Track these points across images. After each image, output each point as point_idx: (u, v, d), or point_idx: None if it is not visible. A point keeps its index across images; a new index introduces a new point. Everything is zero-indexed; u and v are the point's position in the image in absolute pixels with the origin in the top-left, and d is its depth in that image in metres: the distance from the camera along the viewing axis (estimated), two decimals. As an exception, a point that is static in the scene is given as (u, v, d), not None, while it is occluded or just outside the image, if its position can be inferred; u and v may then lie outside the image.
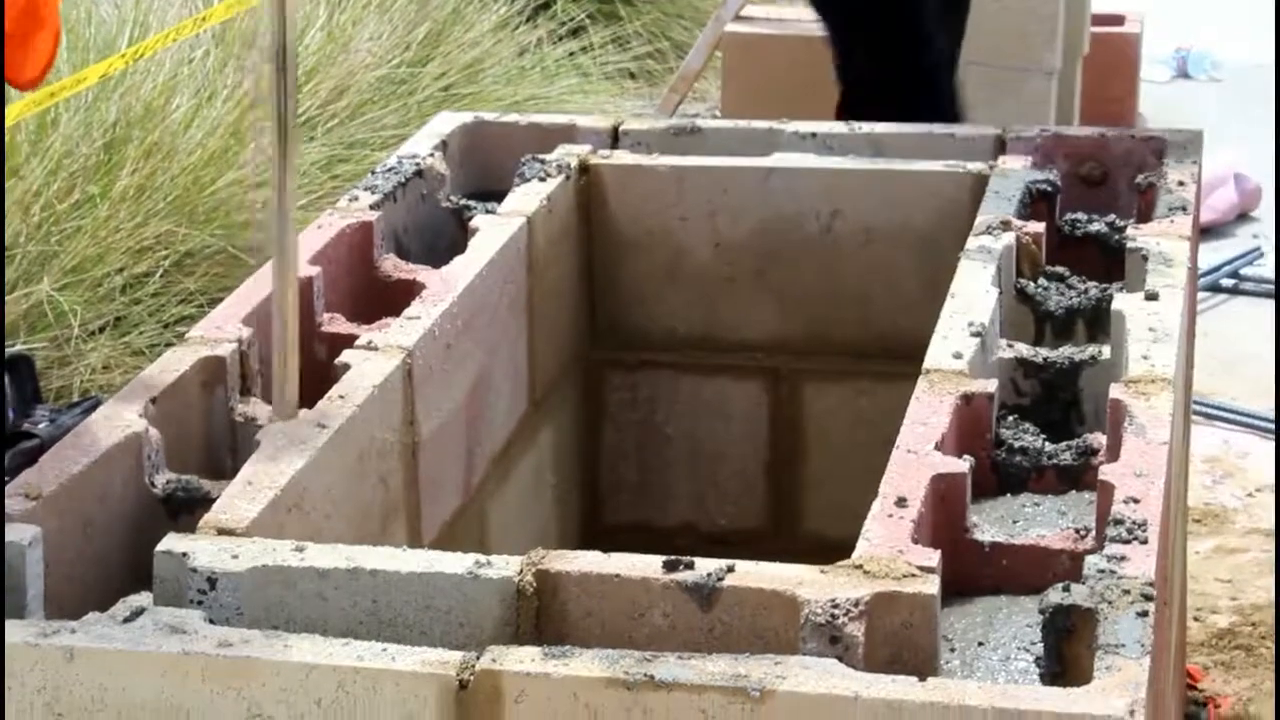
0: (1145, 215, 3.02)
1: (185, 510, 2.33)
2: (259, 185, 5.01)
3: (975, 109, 3.70)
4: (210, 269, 4.99)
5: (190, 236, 5.05)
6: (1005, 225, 2.90)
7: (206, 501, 2.29)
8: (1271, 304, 4.24)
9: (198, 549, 2.12)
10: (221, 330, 2.64)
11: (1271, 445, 4.47)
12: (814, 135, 3.32)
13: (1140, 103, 6.20)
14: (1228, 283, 5.49)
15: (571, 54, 7.03)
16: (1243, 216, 5.93)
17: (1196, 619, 3.87)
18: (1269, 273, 5.46)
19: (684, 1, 7.35)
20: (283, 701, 1.93)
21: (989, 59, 5.44)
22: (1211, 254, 5.58)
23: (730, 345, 3.31)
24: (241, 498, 2.26)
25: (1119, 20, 6.17)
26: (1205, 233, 5.57)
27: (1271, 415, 4.40)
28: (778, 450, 3.34)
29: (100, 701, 1.96)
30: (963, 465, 2.25)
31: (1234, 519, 4.28)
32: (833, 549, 2.07)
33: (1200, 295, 5.12)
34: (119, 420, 2.39)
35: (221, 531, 2.19)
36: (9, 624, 2.01)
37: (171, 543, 2.14)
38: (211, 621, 2.02)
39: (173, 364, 2.54)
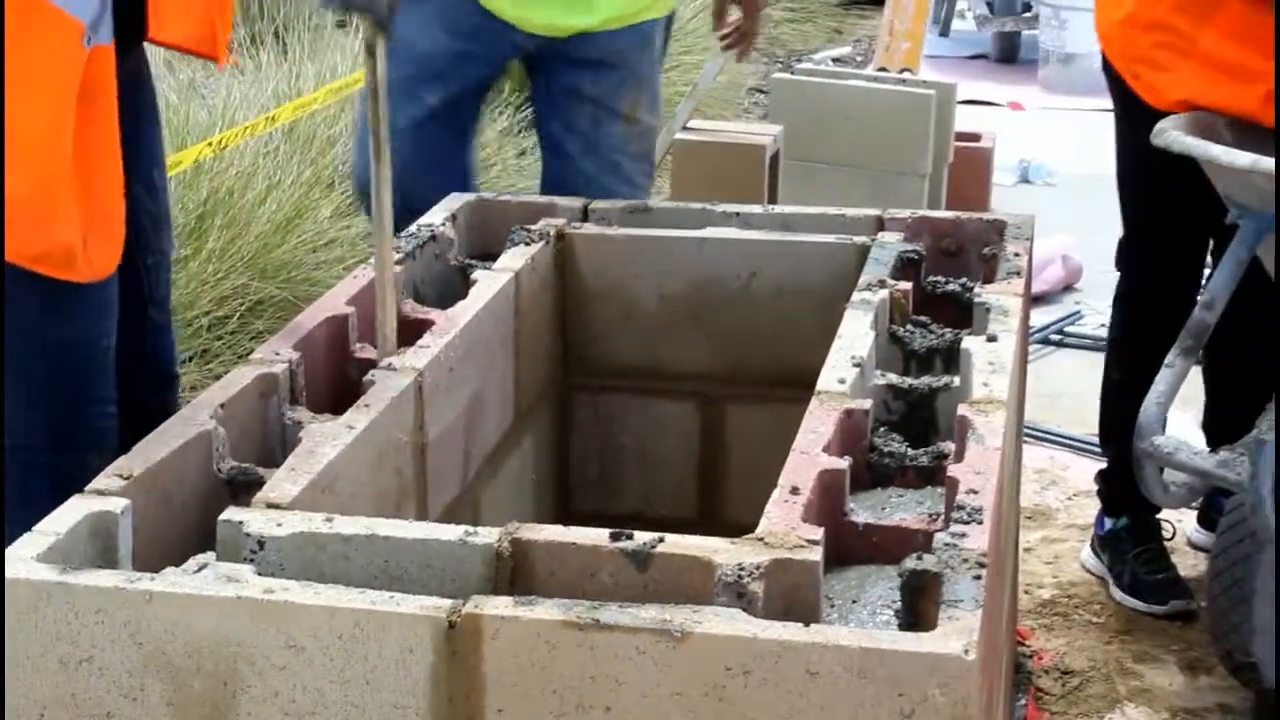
0: (989, 278, 3.02)
1: (243, 490, 2.31)
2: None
3: (864, 203, 3.67)
4: (275, 314, 4.99)
5: (260, 289, 5.05)
6: (882, 284, 2.90)
7: (260, 483, 2.28)
8: (1090, 355, 4.25)
9: (251, 518, 2.11)
10: (276, 355, 2.63)
11: (1086, 462, 4.45)
12: (737, 214, 3.31)
13: (991, 201, 6.21)
14: (1054, 338, 5.49)
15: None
16: (1068, 288, 5.95)
17: (1026, 592, 3.86)
18: (1087, 330, 5.47)
19: (645, 118, 7.36)
20: (312, 636, 1.92)
21: (875, 164, 5.46)
22: (1043, 316, 5.59)
23: (670, 375, 3.29)
24: (287, 481, 2.25)
25: (976, 137, 6.19)
26: (1038, 300, 5.58)
27: (1085, 438, 4.40)
28: (706, 457, 3.33)
29: (171, 634, 1.95)
30: (843, 463, 2.25)
31: (1057, 517, 4.28)
32: (746, 532, 2.06)
33: (1033, 347, 5.12)
34: (194, 421, 2.38)
35: (270, 506, 2.18)
36: (104, 572, 2.00)
37: (231, 514, 2.13)
38: (259, 574, 2.01)
39: (238, 379, 2.53)
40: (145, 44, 2.96)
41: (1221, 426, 3.83)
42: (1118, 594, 3.86)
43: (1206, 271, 3.85)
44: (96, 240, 2.70)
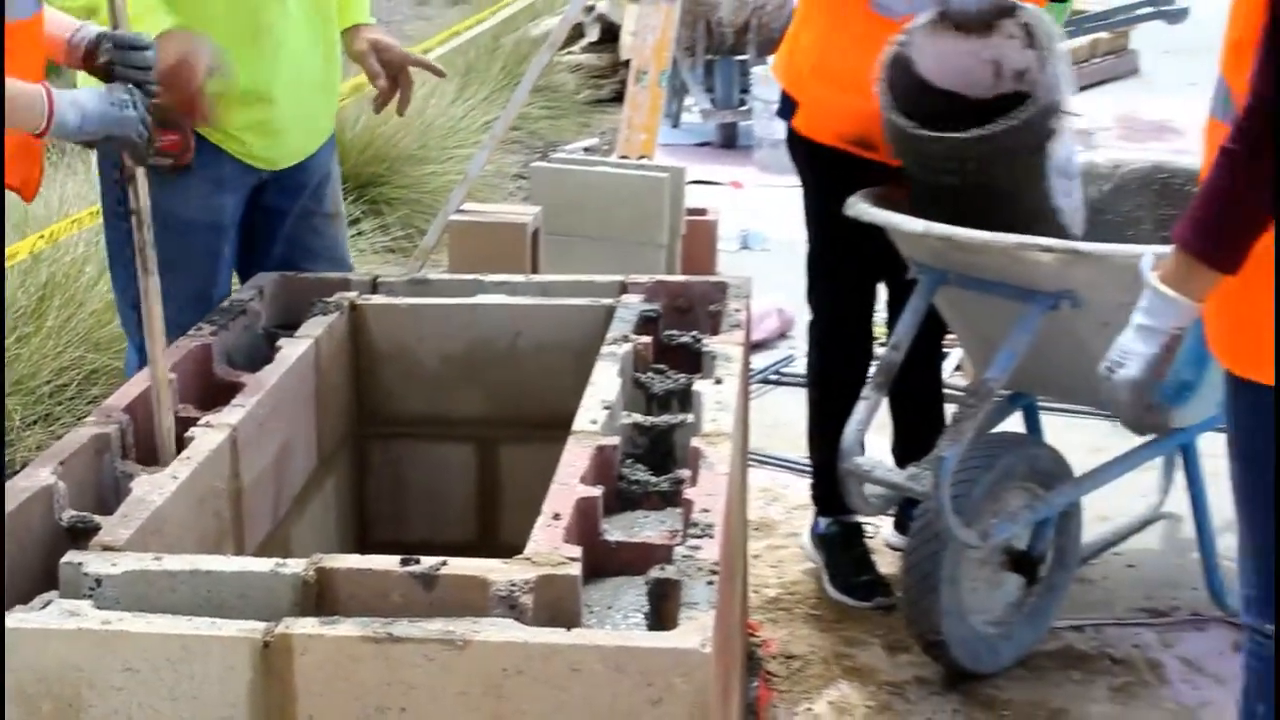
0: (715, 330, 3.06)
1: (82, 535, 2.25)
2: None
3: (611, 270, 3.68)
4: (109, 381, 4.86)
5: (95, 360, 4.93)
6: (626, 339, 2.92)
7: (97, 529, 2.23)
8: (802, 390, 4.28)
9: (89, 560, 2.07)
10: (109, 417, 2.58)
11: (803, 481, 4.47)
12: (504, 284, 3.32)
13: (717, 265, 6.27)
14: (773, 378, 5.54)
15: (351, 237, 6.96)
16: (782, 336, 6.01)
17: (755, 592, 3.90)
18: (798, 370, 5.51)
19: (425, 203, 7.31)
20: (145, 659, 1.89)
21: (620, 236, 5.48)
22: (762, 359, 5.65)
23: (451, 422, 3.28)
24: (120, 525, 2.21)
25: (704, 212, 6.22)
26: (758, 346, 5.64)
27: (801, 461, 4.43)
28: (483, 490, 3.32)
29: (24, 662, 1.91)
30: (597, 491, 2.26)
31: (779, 527, 4.31)
32: (519, 553, 2.06)
33: (755, 386, 5.17)
34: (37, 476, 2.32)
35: (106, 548, 2.14)
36: (-42, 614, 1.95)
37: (71, 556, 2.09)
38: (98, 608, 1.97)
39: (76, 439, 2.48)
40: None
41: (907, 448, 3.91)
42: (831, 590, 3.91)
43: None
44: None
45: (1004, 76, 3.47)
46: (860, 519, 3.99)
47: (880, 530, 4.18)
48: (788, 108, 3.82)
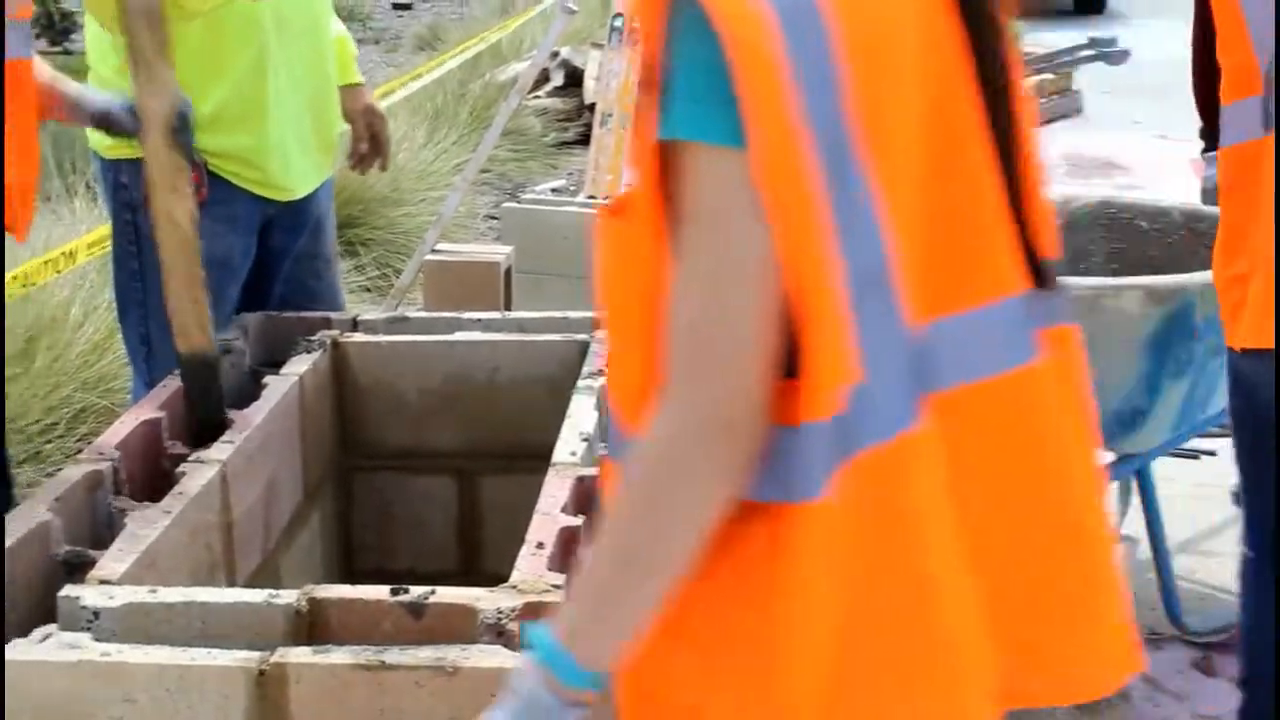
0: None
1: (78, 570, 2.24)
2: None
3: (583, 306, 3.66)
4: (97, 419, 4.84)
5: (83, 398, 4.91)
6: (601, 372, 2.91)
7: (92, 563, 2.21)
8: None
9: (86, 593, 2.06)
10: (101, 454, 2.56)
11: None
12: (480, 320, 3.31)
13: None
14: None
15: (330, 278, 6.94)
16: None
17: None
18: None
19: (399, 243, 7.30)
20: (144, 690, 1.88)
21: (589, 273, 5.49)
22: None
23: (432, 454, 3.26)
24: (115, 560, 2.20)
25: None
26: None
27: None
28: (464, 521, 3.30)
29: (24, 696, 1.89)
30: (579, 520, 2.26)
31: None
32: (501, 582, 2.06)
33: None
34: (33, 513, 2.31)
35: (102, 582, 2.12)
36: (-40, 648, 1.93)
37: (69, 590, 2.07)
38: (96, 640, 1.96)
39: (69, 476, 2.46)
40: None
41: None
42: None
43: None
44: None
45: None
46: None
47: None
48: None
